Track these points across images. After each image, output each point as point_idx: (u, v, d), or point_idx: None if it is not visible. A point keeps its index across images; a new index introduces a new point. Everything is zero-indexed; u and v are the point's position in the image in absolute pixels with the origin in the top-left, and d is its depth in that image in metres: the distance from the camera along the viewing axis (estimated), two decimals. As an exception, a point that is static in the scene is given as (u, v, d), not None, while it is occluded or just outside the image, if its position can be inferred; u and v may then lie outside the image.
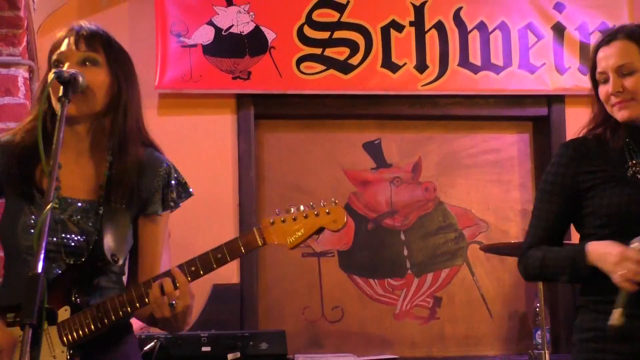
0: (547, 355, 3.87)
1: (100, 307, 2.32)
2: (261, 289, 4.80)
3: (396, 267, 4.96)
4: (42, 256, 2.00)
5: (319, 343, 4.81)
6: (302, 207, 2.38)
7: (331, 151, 4.93)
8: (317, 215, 2.36)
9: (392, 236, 4.98)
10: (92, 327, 2.31)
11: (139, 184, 2.48)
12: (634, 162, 2.58)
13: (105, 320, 2.31)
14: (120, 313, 2.32)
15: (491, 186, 5.05)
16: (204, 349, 3.73)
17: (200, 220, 4.51)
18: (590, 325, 2.57)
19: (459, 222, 5.04)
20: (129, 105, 2.48)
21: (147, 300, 2.32)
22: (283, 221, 2.36)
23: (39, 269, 1.96)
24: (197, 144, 4.66)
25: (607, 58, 2.61)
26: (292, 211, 2.38)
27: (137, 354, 2.57)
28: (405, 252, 4.98)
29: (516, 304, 5.01)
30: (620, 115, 2.56)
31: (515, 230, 5.01)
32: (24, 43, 4.10)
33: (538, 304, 4.63)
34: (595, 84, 2.67)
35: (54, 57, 2.41)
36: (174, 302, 2.29)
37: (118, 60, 2.47)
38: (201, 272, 2.34)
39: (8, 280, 2.45)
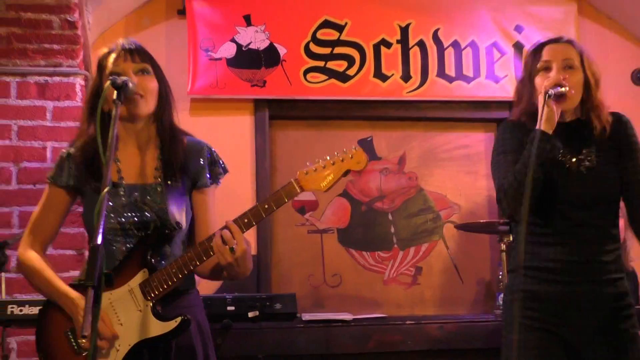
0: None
1: (174, 264, 2.34)
2: (274, 260, 4.80)
3: (385, 242, 4.96)
4: (101, 230, 2.00)
5: (322, 304, 4.81)
6: (327, 157, 2.37)
7: (331, 146, 4.72)
8: (342, 160, 2.35)
9: (381, 216, 4.97)
10: (169, 282, 2.33)
11: (187, 164, 2.49)
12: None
13: (180, 275, 2.33)
14: (191, 267, 2.34)
15: (462, 176, 5.05)
16: (229, 308, 3.69)
17: (224, 204, 4.39)
18: (519, 287, 2.53)
19: (437, 205, 5.03)
20: (171, 105, 2.54)
21: (211, 252, 2.32)
22: (315, 170, 2.35)
23: (99, 241, 1.97)
24: (221, 140, 4.42)
25: (555, 51, 2.57)
26: (320, 162, 2.37)
27: (200, 302, 2.58)
28: (392, 230, 4.98)
29: (482, 273, 5.01)
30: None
31: (482, 212, 5.01)
32: (81, 56, 4.11)
33: (501, 272, 4.60)
34: (528, 79, 2.60)
35: (112, 68, 2.42)
36: (234, 246, 2.29)
37: (159, 69, 2.51)
38: (253, 222, 2.33)
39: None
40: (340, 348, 4.24)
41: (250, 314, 3.71)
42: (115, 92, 2.26)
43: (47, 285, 2.43)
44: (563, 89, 2.45)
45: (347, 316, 4.31)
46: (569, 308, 2.46)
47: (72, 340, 2.35)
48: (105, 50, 2.52)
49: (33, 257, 2.48)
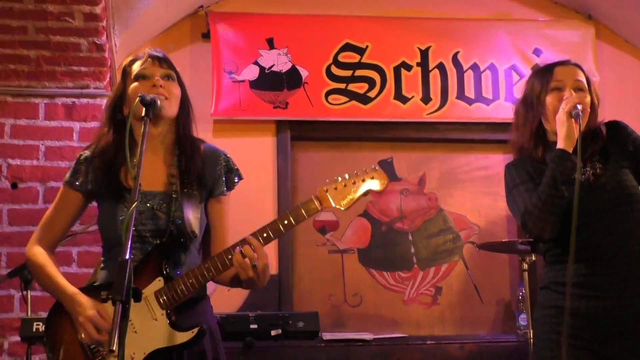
0: (530, 333, 3.83)
1: (190, 274, 2.33)
2: (295, 279, 4.76)
3: (405, 262, 4.91)
4: (129, 245, 1.98)
5: (342, 323, 4.76)
6: (347, 176, 2.37)
7: (352, 167, 4.75)
8: (363, 180, 2.36)
9: (401, 237, 4.93)
10: (186, 292, 2.32)
11: (204, 172, 2.49)
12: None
13: (197, 285, 2.32)
14: (208, 277, 2.33)
15: (482, 197, 5.01)
16: (252, 326, 3.66)
17: (246, 223, 4.42)
18: (551, 304, 2.50)
19: (456, 226, 4.99)
20: (191, 115, 2.55)
21: (229, 264, 2.31)
22: (335, 188, 2.36)
23: (127, 256, 1.95)
24: (244, 161, 4.41)
25: (567, 72, 2.58)
26: (341, 180, 2.36)
27: (211, 307, 2.55)
28: (412, 250, 4.93)
29: (502, 293, 4.95)
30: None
31: (501, 233, 4.97)
32: (108, 78, 4.15)
33: (520, 293, 4.60)
34: (536, 99, 2.58)
35: (139, 71, 2.44)
36: (256, 263, 2.28)
37: (182, 80, 2.53)
38: (272, 236, 2.32)
39: (107, 265, 2.47)
40: None
41: (273, 332, 3.69)
42: (144, 108, 2.27)
43: (50, 282, 2.42)
44: (581, 107, 2.46)
45: (367, 336, 4.35)
46: (602, 324, 2.40)
47: (87, 348, 2.32)
48: (130, 57, 2.54)
49: (39, 252, 2.46)
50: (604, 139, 2.59)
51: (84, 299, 2.33)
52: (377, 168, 2.40)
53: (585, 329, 2.41)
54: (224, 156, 2.57)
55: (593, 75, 4.83)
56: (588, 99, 2.56)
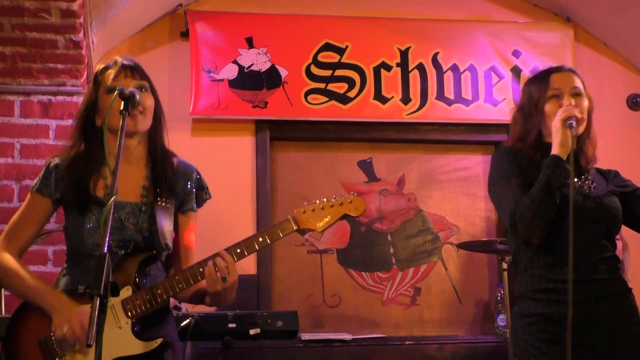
0: (509, 334, 3.83)
1: (159, 285, 2.35)
2: (274, 279, 4.74)
3: (384, 263, 4.91)
4: (107, 239, 1.95)
5: (321, 324, 4.75)
6: (325, 199, 2.41)
7: (331, 167, 4.89)
8: (341, 204, 2.41)
9: (380, 237, 4.93)
10: (154, 302, 2.33)
11: (176, 185, 2.49)
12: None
13: (165, 296, 2.34)
14: (177, 289, 2.37)
15: (461, 197, 5.02)
16: (230, 325, 3.61)
17: (225, 223, 4.45)
18: (531, 311, 2.50)
19: (435, 227, 4.99)
20: (163, 126, 2.53)
21: (200, 277, 2.33)
22: (313, 210, 2.41)
23: (105, 250, 1.92)
24: (223, 161, 4.64)
25: (563, 79, 2.59)
26: (319, 203, 2.41)
27: (172, 317, 2.56)
28: (391, 251, 4.93)
29: (481, 293, 4.96)
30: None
31: (480, 233, 4.98)
32: (85, 76, 4.12)
33: (499, 293, 4.63)
34: (535, 107, 2.60)
35: (112, 83, 2.40)
36: (226, 276, 2.30)
37: (154, 90, 2.52)
38: (245, 253, 2.36)
39: (70, 272, 2.45)
40: None
41: (251, 332, 3.65)
42: (122, 102, 2.23)
43: (25, 285, 2.37)
44: (579, 115, 2.48)
45: (346, 336, 4.34)
46: (580, 327, 2.38)
47: (45, 349, 2.30)
48: (102, 65, 2.50)
49: (8, 258, 2.42)
50: (599, 174, 2.66)
51: (64, 297, 2.32)
52: (356, 194, 2.45)
53: (560, 334, 2.38)
54: (196, 173, 2.58)
55: None
56: (586, 103, 2.58)
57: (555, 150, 2.45)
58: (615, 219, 2.56)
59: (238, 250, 2.35)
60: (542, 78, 2.64)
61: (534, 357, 2.44)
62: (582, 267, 2.44)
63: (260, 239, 2.37)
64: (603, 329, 2.43)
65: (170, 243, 2.46)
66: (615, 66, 5.18)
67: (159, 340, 2.31)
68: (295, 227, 2.39)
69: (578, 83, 2.60)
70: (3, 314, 3.51)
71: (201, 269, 2.34)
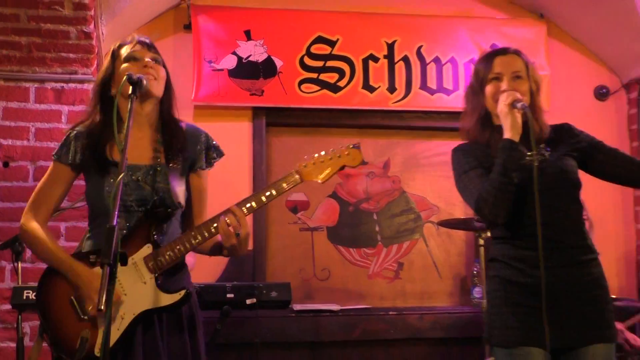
0: (485, 303, 3.86)
1: (177, 241, 2.35)
2: (269, 254, 4.77)
3: (370, 240, 4.93)
4: (116, 213, 1.98)
5: (311, 296, 4.79)
6: (323, 152, 2.41)
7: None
8: (339, 157, 2.41)
9: (367, 216, 4.95)
10: (174, 257, 2.33)
11: (186, 147, 2.49)
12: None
13: (183, 250, 2.33)
14: (194, 243, 2.33)
15: (442, 180, 5.02)
16: (229, 295, 3.69)
17: (225, 201, 4.44)
18: (501, 274, 2.51)
19: (418, 206, 5.02)
20: (173, 95, 2.55)
21: (214, 232, 2.32)
22: (314, 164, 2.40)
23: (114, 223, 1.96)
24: (222, 144, 4.34)
25: (505, 63, 2.56)
26: (318, 156, 2.40)
27: (190, 277, 2.56)
28: (377, 228, 4.95)
29: (458, 268, 5.00)
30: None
31: (458, 213, 4.97)
32: (95, 65, 4.10)
33: (475, 268, 4.68)
34: (479, 86, 2.59)
35: (130, 53, 2.44)
36: (239, 232, 2.29)
37: (165, 66, 2.54)
38: (254, 206, 2.34)
39: (92, 234, 2.47)
40: (329, 336, 4.27)
41: (248, 301, 3.72)
42: (130, 87, 2.26)
43: (50, 254, 2.40)
44: (521, 98, 2.48)
45: (334, 307, 4.37)
46: (549, 291, 2.41)
47: (77, 306, 2.31)
48: (119, 42, 2.54)
49: (36, 227, 2.43)
50: (550, 134, 2.61)
51: (80, 265, 2.33)
52: (351, 146, 2.42)
53: (530, 298, 2.42)
54: (205, 134, 2.59)
55: (544, 70, 4.88)
56: (525, 86, 2.55)
57: (507, 135, 2.44)
58: (574, 181, 2.54)
59: (248, 205, 2.33)
60: (487, 59, 2.61)
61: (503, 314, 2.46)
62: (552, 235, 2.44)
63: (268, 193, 2.35)
64: (571, 293, 2.43)
65: (183, 202, 2.45)
66: (584, 59, 5.18)
67: (182, 292, 2.32)
68: (299, 180, 2.37)
69: (519, 66, 2.56)
70: (19, 284, 3.54)
71: (215, 225, 2.32)
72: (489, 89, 2.55)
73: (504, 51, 2.61)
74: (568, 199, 2.52)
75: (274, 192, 2.35)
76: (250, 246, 4.54)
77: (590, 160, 2.59)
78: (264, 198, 2.34)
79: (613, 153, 2.61)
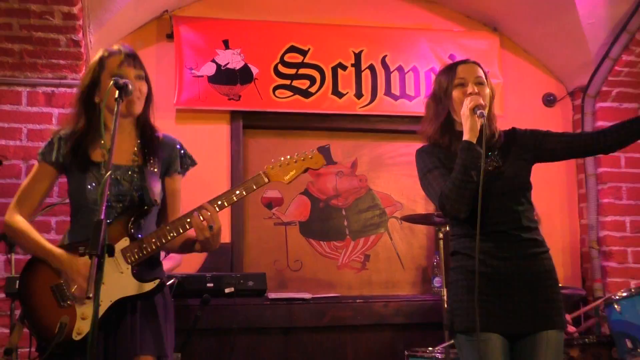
0: (444, 292, 3.95)
1: (153, 234, 2.39)
2: (245, 247, 4.76)
3: (339, 233, 4.94)
4: (104, 207, 2.04)
5: (285, 285, 4.79)
6: (288, 156, 2.49)
7: (295, 152, 4.89)
8: (303, 160, 2.48)
9: (336, 212, 4.97)
10: (149, 249, 2.38)
11: (162, 153, 2.54)
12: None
13: (158, 244, 2.38)
14: (169, 237, 2.38)
15: (405, 179, 5.04)
16: (209, 284, 3.72)
17: (204, 199, 4.47)
18: (463, 264, 2.56)
19: (383, 203, 5.03)
20: (152, 105, 2.58)
21: (188, 226, 2.36)
22: (280, 166, 2.46)
23: (102, 216, 2.02)
24: (202, 146, 4.57)
25: (468, 70, 2.62)
26: (284, 159, 2.48)
27: (163, 269, 2.59)
28: (345, 223, 4.97)
29: (420, 260, 5.03)
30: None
31: (420, 209, 5.00)
32: (83, 71, 4.10)
33: (435, 260, 4.69)
34: (444, 93, 2.61)
35: (117, 71, 2.43)
36: (212, 224, 2.35)
37: (147, 74, 2.54)
38: (225, 204, 2.39)
39: (76, 227, 2.50)
40: (301, 322, 4.32)
41: (226, 290, 3.73)
42: (117, 91, 2.31)
43: (33, 243, 2.42)
44: (483, 102, 2.53)
45: (306, 295, 4.40)
46: (503, 281, 2.50)
47: (57, 294, 2.35)
48: (107, 51, 2.51)
49: (19, 219, 2.45)
50: (503, 140, 2.67)
51: (65, 254, 2.36)
52: (314, 151, 2.51)
53: (489, 287, 2.49)
54: (179, 143, 2.64)
55: (497, 78, 4.95)
56: (487, 91, 2.62)
57: (466, 136, 2.49)
58: (525, 184, 2.61)
59: (219, 202, 2.39)
60: (450, 69, 2.66)
61: (464, 302, 2.52)
62: (507, 231, 2.51)
63: (238, 192, 2.40)
64: (523, 282, 2.49)
65: (159, 200, 2.47)
66: (534, 69, 5.21)
67: (157, 281, 2.36)
68: (266, 180, 2.42)
69: (480, 73, 2.62)
70: (13, 274, 3.60)
71: (188, 220, 2.36)
72: (455, 94, 2.59)
73: (465, 61, 2.68)
74: (521, 200, 2.59)
75: (243, 192, 2.40)
76: (228, 239, 4.57)
77: (541, 153, 2.65)
78: (234, 197, 2.40)
79: (558, 138, 2.67)
